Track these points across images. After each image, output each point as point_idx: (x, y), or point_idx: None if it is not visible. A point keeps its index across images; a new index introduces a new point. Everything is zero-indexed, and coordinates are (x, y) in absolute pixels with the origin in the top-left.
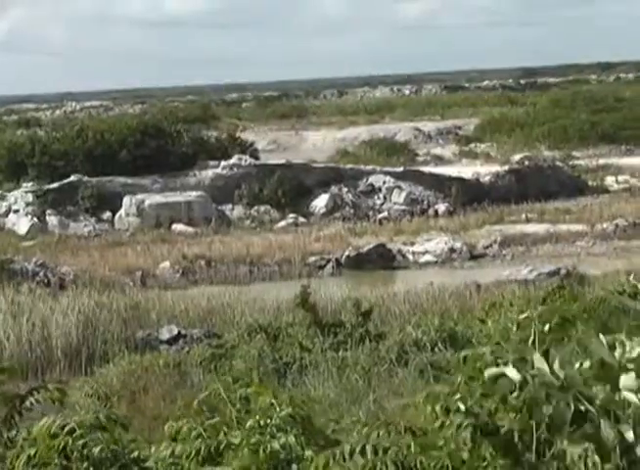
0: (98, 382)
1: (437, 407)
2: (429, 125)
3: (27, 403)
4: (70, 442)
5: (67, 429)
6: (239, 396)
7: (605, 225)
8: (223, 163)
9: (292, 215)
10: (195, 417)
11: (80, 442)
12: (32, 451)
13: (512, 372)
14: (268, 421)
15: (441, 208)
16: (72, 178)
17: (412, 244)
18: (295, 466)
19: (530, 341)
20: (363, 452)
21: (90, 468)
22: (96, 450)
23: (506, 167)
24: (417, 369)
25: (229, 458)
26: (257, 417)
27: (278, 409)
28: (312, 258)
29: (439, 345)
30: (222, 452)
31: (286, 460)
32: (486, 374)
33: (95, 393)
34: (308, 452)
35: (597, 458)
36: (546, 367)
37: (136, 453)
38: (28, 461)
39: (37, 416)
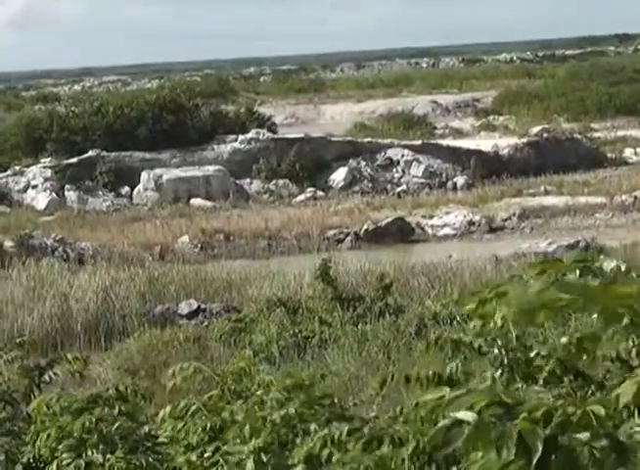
0: (118, 356)
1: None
2: (447, 98)
3: (46, 377)
4: (89, 419)
5: (74, 407)
6: (228, 371)
7: (624, 197)
8: (241, 137)
9: (310, 189)
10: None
11: (92, 419)
12: (49, 432)
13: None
14: (268, 396)
15: (460, 181)
16: (91, 153)
17: (431, 217)
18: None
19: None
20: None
21: (101, 444)
22: (113, 428)
23: (524, 140)
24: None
25: (232, 434)
26: (259, 392)
27: (276, 383)
28: (331, 232)
29: (458, 318)
30: (223, 429)
31: (290, 434)
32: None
33: (118, 366)
34: (313, 426)
35: None
36: None
37: (147, 428)
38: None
39: (57, 390)
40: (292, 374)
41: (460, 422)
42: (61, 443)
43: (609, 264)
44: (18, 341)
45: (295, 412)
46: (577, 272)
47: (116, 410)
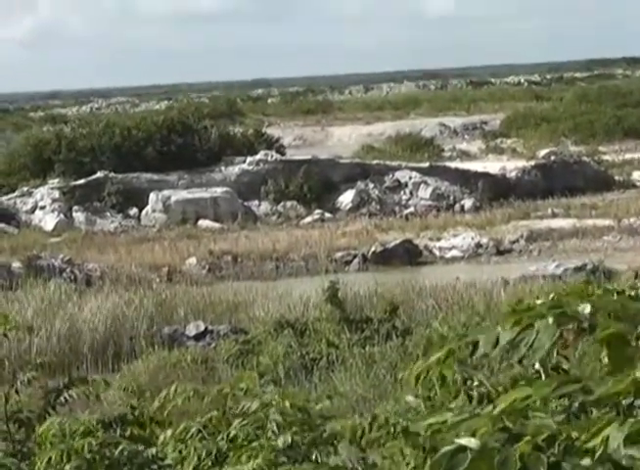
0: (126, 378)
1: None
2: (454, 121)
3: (62, 398)
4: (89, 442)
5: (81, 430)
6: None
7: (632, 220)
8: (249, 158)
9: (318, 211)
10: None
11: (96, 441)
12: (51, 454)
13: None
14: (265, 420)
15: (468, 203)
16: (99, 174)
17: (438, 239)
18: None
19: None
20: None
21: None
22: (116, 451)
23: (532, 163)
24: None
25: (233, 460)
26: (259, 414)
27: (275, 403)
28: (338, 254)
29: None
30: (226, 453)
31: (292, 460)
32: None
33: (126, 388)
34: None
35: None
36: None
37: (154, 450)
38: (49, 461)
39: (66, 411)
40: (291, 395)
41: (464, 448)
42: (67, 464)
43: (585, 308)
44: (38, 361)
45: (291, 440)
46: (551, 319)
47: (128, 433)
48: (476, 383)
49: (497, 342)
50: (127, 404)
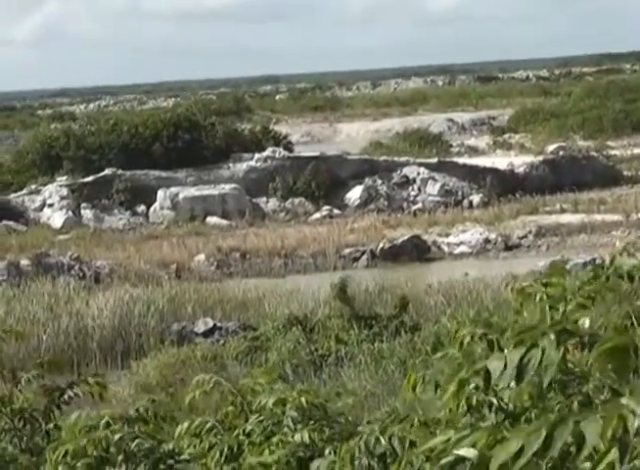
0: (135, 374)
1: None
2: (462, 116)
3: (66, 396)
4: (108, 435)
5: (102, 423)
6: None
7: None
8: (257, 155)
9: (326, 208)
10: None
11: (117, 435)
12: (69, 447)
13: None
14: (281, 416)
15: (476, 199)
16: (107, 172)
17: (447, 235)
18: (316, 462)
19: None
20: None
21: (127, 462)
22: (132, 445)
23: (540, 158)
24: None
25: (249, 454)
26: (276, 410)
27: (291, 400)
28: (347, 250)
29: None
30: (243, 448)
31: (307, 457)
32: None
33: (135, 384)
34: (328, 450)
35: None
36: None
37: (171, 446)
38: (65, 455)
39: (74, 409)
40: (308, 392)
41: (463, 459)
42: (79, 461)
43: (584, 322)
44: (38, 361)
45: (312, 435)
46: (553, 336)
47: (137, 430)
48: (472, 386)
49: (506, 366)
50: (137, 400)
